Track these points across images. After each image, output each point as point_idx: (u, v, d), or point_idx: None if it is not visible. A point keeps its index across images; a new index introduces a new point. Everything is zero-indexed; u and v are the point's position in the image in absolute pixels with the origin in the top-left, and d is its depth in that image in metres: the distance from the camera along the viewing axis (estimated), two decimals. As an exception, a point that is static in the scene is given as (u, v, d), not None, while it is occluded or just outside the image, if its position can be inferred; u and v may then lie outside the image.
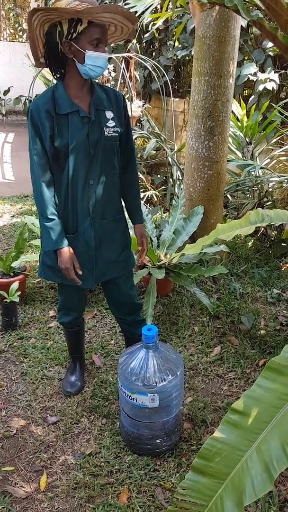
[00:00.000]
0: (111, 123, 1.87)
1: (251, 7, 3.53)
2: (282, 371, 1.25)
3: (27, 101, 11.04)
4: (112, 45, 6.07)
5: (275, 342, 2.66)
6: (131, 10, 3.21)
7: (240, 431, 1.17)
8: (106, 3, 6.10)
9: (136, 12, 2.95)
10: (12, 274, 3.06)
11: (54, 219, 1.83)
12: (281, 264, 3.59)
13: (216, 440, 1.16)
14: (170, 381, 1.86)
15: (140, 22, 3.76)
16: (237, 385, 2.38)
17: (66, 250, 1.86)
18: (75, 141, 1.79)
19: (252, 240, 3.92)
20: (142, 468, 1.91)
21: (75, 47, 1.70)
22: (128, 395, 1.87)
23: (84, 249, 1.94)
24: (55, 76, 1.85)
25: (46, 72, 4.66)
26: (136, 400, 1.85)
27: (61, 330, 2.79)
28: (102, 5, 1.64)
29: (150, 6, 3.14)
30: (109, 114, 1.87)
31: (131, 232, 2.23)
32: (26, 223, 3.55)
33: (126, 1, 3.14)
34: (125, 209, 2.12)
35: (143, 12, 3.22)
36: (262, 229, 3.88)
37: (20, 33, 13.11)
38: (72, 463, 1.94)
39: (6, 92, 10.87)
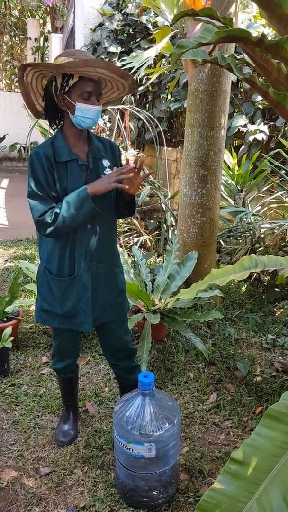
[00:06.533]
0: (108, 171, 1.93)
1: (241, 64, 3.70)
2: (281, 419, 1.23)
3: (22, 148, 11.34)
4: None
5: (272, 389, 2.63)
6: (128, 66, 3.38)
7: (240, 482, 1.14)
8: (102, 58, 6.38)
9: (132, 68, 3.10)
10: (5, 319, 3.04)
11: (59, 207, 1.81)
12: (275, 309, 3.60)
13: (216, 492, 1.14)
14: (167, 429, 1.82)
15: (137, 76, 3.94)
16: (234, 434, 2.34)
17: (89, 186, 1.80)
18: (74, 187, 1.85)
19: (246, 285, 3.94)
20: (137, 523, 1.84)
21: (68, 100, 1.79)
22: (124, 445, 1.82)
23: (81, 292, 1.95)
24: (52, 127, 1.93)
25: (43, 122, 4.80)
26: (132, 450, 1.80)
27: (54, 376, 2.74)
28: (84, 59, 1.71)
29: (145, 62, 3.30)
30: (105, 163, 1.95)
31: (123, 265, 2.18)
32: (20, 268, 3.56)
33: (123, 58, 3.30)
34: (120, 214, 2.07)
35: (139, 68, 3.38)
36: (255, 274, 3.92)
37: (17, 84, 13.64)
38: (65, 517, 1.87)
39: (1, 140, 11.18)
